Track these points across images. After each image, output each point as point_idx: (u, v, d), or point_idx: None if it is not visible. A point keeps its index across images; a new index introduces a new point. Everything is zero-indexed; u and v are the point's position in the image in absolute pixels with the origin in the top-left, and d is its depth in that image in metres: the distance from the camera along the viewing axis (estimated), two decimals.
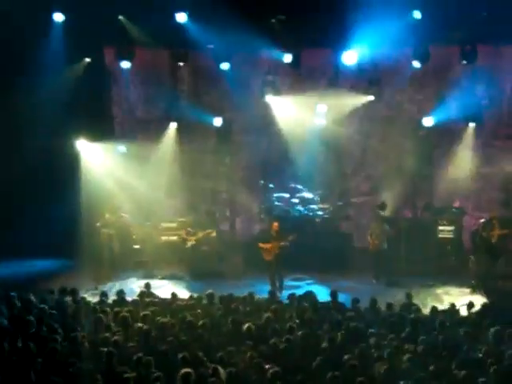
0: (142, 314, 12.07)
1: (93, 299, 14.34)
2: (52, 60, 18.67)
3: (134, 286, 16.70)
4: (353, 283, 17.31)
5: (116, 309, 12.66)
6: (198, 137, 21.37)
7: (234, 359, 9.99)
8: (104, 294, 14.24)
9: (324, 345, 10.71)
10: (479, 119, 19.56)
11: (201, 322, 11.62)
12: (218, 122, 20.58)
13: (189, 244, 18.38)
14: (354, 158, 21.48)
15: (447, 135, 20.55)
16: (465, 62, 18.95)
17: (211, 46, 19.41)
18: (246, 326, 11.27)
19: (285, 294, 15.30)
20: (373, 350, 10.45)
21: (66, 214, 18.44)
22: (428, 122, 19.82)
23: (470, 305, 13.19)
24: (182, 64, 20.19)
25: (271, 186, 20.37)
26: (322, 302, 13.58)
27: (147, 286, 14.93)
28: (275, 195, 20.11)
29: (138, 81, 21.32)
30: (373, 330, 11.65)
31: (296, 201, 19.85)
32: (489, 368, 9.49)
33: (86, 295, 15.02)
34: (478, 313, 12.76)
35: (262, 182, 20.65)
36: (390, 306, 13.23)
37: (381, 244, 17.61)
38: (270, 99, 20.28)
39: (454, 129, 20.41)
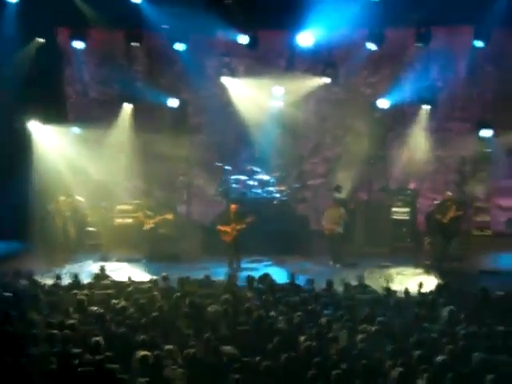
0: (97, 297, 11.96)
1: (47, 282, 14.15)
2: (4, 41, 18.28)
3: (89, 269, 16.51)
4: (310, 265, 17.40)
5: (71, 292, 12.55)
6: (154, 118, 21.18)
7: (191, 342, 9.95)
8: (59, 277, 14.09)
9: (280, 326, 10.74)
10: (433, 101, 19.70)
11: (157, 305, 11.56)
12: (173, 103, 20.42)
13: (147, 227, 18.19)
14: (311, 140, 21.51)
15: (402, 117, 20.68)
16: (419, 44, 19.05)
17: (166, 27, 19.19)
18: (206, 308, 11.24)
19: (242, 276, 15.28)
20: (329, 331, 10.50)
21: (18, 197, 18.15)
22: (383, 104, 19.92)
23: (420, 285, 13.31)
24: (136, 44, 19.90)
25: (228, 168, 20.29)
26: (279, 284, 13.62)
27: (102, 268, 14.80)
28: (232, 177, 20.03)
29: (91, 61, 21.01)
30: (329, 311, 11.72)
31: (253, 183, 19.80)
32: (444, 348, 9.61)
33: (40, 278, 14.80)
34: (433, 293, 12.91)
35: (219, 164, 20.55)
36: (346, 287, 13.32)
37: (337, 227, 17.60)
38: (227, 81, 20.17)
39: (408, 111, 20.55)
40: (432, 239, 17.56)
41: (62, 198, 18.41)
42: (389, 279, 14.40)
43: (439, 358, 9.12)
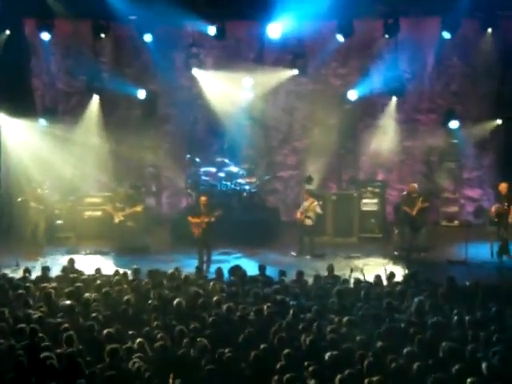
0: (66, 290, 11.87)
1: (15, 275, 14.02)
2: None
3: (57, 262, 16.34)
4: (280, 257, 17.41)
5: (39, 285, 12.44)
6: (122, 109, 21.07)
7: (161, 334, 9.91)
8: (27, 270, 13.96)
9: (251, 318, 10.74)
10: (402, 93, 19.81)
11: (126, 298, 11.50)
12: (141, 94, 20.29)
13: (117, 220, 18.01)
14: (280, 131, 21.52)
15: (371, 109, 20.79)
16: (387, 35, 19.14)
17: (133, 18, 19.06)
18: (176, 301, 11.22)
19: (213, 268, 15.26)
20: (299, 322, 10.53)
21: None
22: (352, 95, 20.00)
23: (391, 275, 13.41)
24: (103, 35, 19.71)
25: (197, 160, 20.23)
26: (249, 276, 13.62)
27: (71, 261, 14.66)
28: (202, 169, 19.98)
29: (58, 52, 20.81)
30: (299, 302, 11.75)
31: (223, 175, 19.76)
32: (412, 338, 9.68)
33: (7, 271, 14.65)
34: (401, 284, 13.00)
35: (189, 156, 20.48)
36: (316, 278, 13.36)
37: (308, 220, 17.59)
38: (196, 72, 20.09)
39: (377, 102, 20.67)
40: (400, 230, 17.68)
41: (39, 190, 18.21)
42: (356, 270, 14.44)
43: (407, 348, 9.19)
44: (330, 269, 14.08)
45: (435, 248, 17.69)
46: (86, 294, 11.78)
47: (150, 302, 11.54)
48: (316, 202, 17.70)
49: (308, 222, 17.59)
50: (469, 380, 8.10)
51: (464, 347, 9.32)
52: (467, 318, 10.55)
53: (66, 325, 10.12)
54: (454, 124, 19.95)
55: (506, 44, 20.03)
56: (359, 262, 16.61)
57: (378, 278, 13.26)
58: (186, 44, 20.29)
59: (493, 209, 17.01)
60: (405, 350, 9.16)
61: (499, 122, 20.09)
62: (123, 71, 20.80)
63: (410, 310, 11.19)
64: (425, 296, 11.70)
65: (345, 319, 10.38)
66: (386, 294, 12.17)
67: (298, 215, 17.68)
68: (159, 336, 9.81)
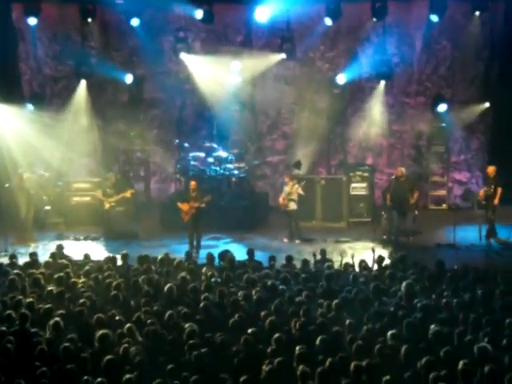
0: (55, 276, 11.84)
1: (3, 261, 13.96)
2: None
3: (46, 248, 16.30)
4: (269, 241, 17.43)
5: (28, 271, 12.40)
6: (109, 94, 20.98)
7: (151, 319, 9.92)
8: (14, 256, 13.90)
9: (241, 302, 10.76)
10: (390, 76, 19.81)
11: (116, 283, 11.49)
12: (129, 78, 20.19)
13: (107, 205, 17.92)
14: (269, 116, 21.47)
15: (360, 93, 20.78)
16: (375, 18, 19.11)
17: (121, 2, 18.94)
18: (167, 286, 11.22)
19: (202, 253, 15.26)
20: (289, 307, 10.56)
21: None
22: (341, 79, 19.98)
23: (380, 259, 13.45)
24: (90, 20, 19.58)
25: (186, 145, 20.17)
26: (239, 261, 13.63)
27: (59, 247, 14.61)
28: (190, 155, 19.92)
29: (45, 37, 20.66)
30: (289, 287, 11.77)
31: (212, 160, 19.70)
32: (401, 321, 9.73)
33: None
34: (390, 267, 13.04)
35: (177, 141, 20.42)
36: (305, 262, 13.38)
37: (291, 204, 17.59)
38: (184, 56, 19.99)
39: (365, 86, 20.66)
40: (389, 214, 17.71)
41: (27, 174, 18.11)
42: (345, 254, 14.50)
43: (396, 331, 9.24)
44: (323, 253, 14.11)
45: (424, 232, 17.74)
46: (75, 280, 11.76)
47: (139, 287, 11.53)
48: (297, 185, 17.70)
49: (292, 205, 17.59)
50: (461, 362, 8.15)
51: (453, 330, 9.38)
52: (455, 300, 10.62)
53: (55, 311, 10.12)
54: (442, 107, 19.99)
55: (493, 27, 20.03)
56: (347, 246, 16.67)
57: (365, 261, 13.31)
58: (174, 28, 20.18)
59: (481, 192, 17.10)
60: (393, 334, 9.21)
61: (487, 105, 20.13)
62: (110, 56, 20.68)
63: (398, 293, 11.23)
64: (413, 279, 11.74)
65: (334, 303, 10.41)
66: (375, 277, 12.22)
67: (281, 200, 17.68)
68: (149, 321, 9.82)
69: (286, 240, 17.55)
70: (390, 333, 9.18)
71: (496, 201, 16.61)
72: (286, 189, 17.68)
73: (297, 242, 17.36)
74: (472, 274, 12.15)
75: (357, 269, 13.10)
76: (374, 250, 13.74)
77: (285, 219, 17.90)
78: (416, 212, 17.87)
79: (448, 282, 11.82)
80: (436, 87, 20.66)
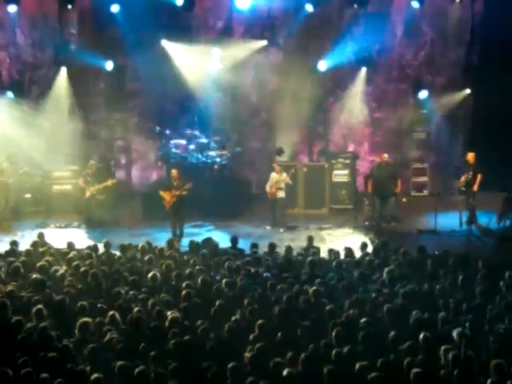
0: (36, 264, 11.78)
1: None
2: None
3: (27, 236, 16.20)
4: (251, 228, 17.43)
5: (8, 259, 12.33)
6: (90, 82, 20.80)
7: (133, 307, 9.91)
8: None
9: (224, 290, 10.77)
10: (371, 63, 19.84)
11: (98, 271, 11.46)
12: (109, 66, 20.07)
13: (88, 194, 17.83)
14: (250, 104, 21.41)
15: (341, 80, 20.76)
16: (356, 5, 19.10)
17: None
18: (150, 274, 11.22)
19: (185, 241, 15.24)
20: (271, 294, 10.58)
21: None
22: (322, 66, 19.97)
23: (364, 245, 13.51)
24: (70, 7, 19.43)
25: (167, 132, 20.10)
26: (221, 248, 13.63)
27: (41, 235, 14.54)
28: (172, 142, 19.85)
29: (25, 25, 20.42)
30: (271, 274, 11.79)
31: (193, 147, 19.66)
32: (382, 306, 9.79)
33: None
34: (372, 254, 13.10)
35: (158, 128, 20.35)
36: (288, 249, 13.40)
37: (280, 192, 17.61)
38: (165, 43, 19.88)
39: (347, 73, 20.64)
40: (371, 201, 17.78)
41: (6, 164, 17.96)
42: (324, 241, 14.56)
43: (379, 316, 9.30)
44: (310, 240, 14.15)
45: (405, 218, 17.82)
46: (57, 268, 11.72)
47: (122, 275, 11.51)
48: (285, 174, 17.70)
49: (281, 194, 17.63)
50: (443, 347, 8.22)
51: (435, 316, 9.45)
52: (437, 286, 10.69)
53: (37, 298, 10.08)
54: (423, 94, 20.04)
55: (474, 13, 20.08)
56: (331, 233, 16.73)
57: (348, 248, 13.35)
58: (154, 14, 20.03)
59: (462, 178, 17.21)
60: (375, 319, 9.27)
61: (468, 91, 20.21)
62: (91, 43, 20.47)
63: (380, 279, 11.29)
64: (395, 265, 11.81)
65: (317, 290, 10.44)
66: (357, 264, 12.28)
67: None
68: (132, 309, 9.81)
69: (268, 228, 17.55)
70: (375, 319, 9.25)
71: (475, 187, 16.73)
72: (274, 177, 17.67)
73: (281, 230, 17.34)
74: (453, 259, 12.24)
75: (341, 255, 13.12)
76: (362, 245, 13.64)
77: (267, 207, 17.91)
78: (404, 199, 17.99)
79: (429, 268, 11.89)
80: (417, 74, 20.70)
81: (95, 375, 7.82)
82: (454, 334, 8.67)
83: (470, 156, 17.07)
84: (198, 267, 12.10)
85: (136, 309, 9.75)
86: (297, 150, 20.87)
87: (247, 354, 8.36)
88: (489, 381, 7.70)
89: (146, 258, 12.60)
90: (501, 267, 11.68)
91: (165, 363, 8.18)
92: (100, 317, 9.51)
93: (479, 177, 16.71)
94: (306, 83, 20.49)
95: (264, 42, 19.87)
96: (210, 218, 18.03)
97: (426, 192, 20.37)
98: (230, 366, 8.03)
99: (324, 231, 17.11)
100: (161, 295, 10.48)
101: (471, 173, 16.80)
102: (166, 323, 9.33)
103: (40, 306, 9.67)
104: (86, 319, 9.11)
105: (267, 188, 17.73)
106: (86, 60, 19.72)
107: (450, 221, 16.98)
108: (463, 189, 17.03)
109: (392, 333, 8.75)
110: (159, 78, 20.65)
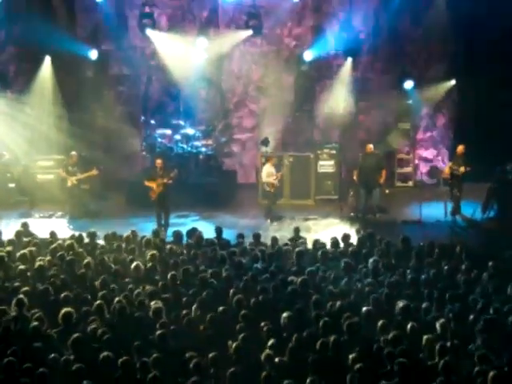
0: (19, 254, 11.71)
1: None
2: None
3: (10, 226, 16.07)
4: (237, 219, 17.39)
5: None
6: (74, 70, 20.61)
7: (118, 297, 9.87)
8: None
9: (209, 280, 10.75)
10: (357, 53, 19.80)
11: (82, 262, 11.41)
12: (94, 54, 19.92)
13: (69, 183, 17.72)
14: (236, 94, 21.33)
15: (327, 69, 20.72)
16: None
17: None
18: (133, 264, 11.18)
19: (170, 231, 15.18)
20: (256, 284, 10.57)
21: None
22: (308, 56, 19.94)
23: (346, 236, 13.47)
24: None
25: (152, 122, 20.00)
26: (206, 239, 13.59)
27: (24, 225, 14.44)
28: (157, 132, 19.76)
29: (9, 14, 20.19)
30: (257, 265, 11.78)
31: (179, 137, 19.58)
32: (367, 297, 9.81)
33: None
34: (357, 245, 13.11)
35: (143, 118, 20.23)
36: (274, 240, 13.38)
37: (276, 182, 17.63)
38: (150, 32, 19.74)
39: (332, 63, 20.60)
40: (355, 191, 17.80)
41: None
42: (309, 231, 14.56)
43: (364, 308, 9.32)
44: (297, 231, 14.14)
45: (390, 209, 17.85)
46: (41, 258, 11.65)
47: (106, 265, 11.47)
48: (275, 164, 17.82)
49: (277, 184, 17.68)
50: (425, 337, 8.26)
51: (419, 305, 9.48)
52: (422, 276, 10.73)
53: (20, 288, 10.03)
54: (408, 84, 20.02)
55: (458, 3, 20.05)
56: (317, 224, 16.74)
57: (334, 239, 13.34)
58: (139, 3, 19.90)
59: (446, 169, 17.26)
60: (363, 310, 9.29)
61: (453, 82, 20.23)
62: (75, 31, 20.34)
63: (365, 270, 11.31)
64: (380, 256, 11.83)
65: (302, 280, 10.45)
66: (342, 254, 12.28)
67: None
68: (116, 299, 9.78)
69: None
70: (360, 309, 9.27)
71: (462, 170, 16.65)
72: (269, 169, 17.64)
73: (268, 221, 17.32)
74: (437, 250, 12.27)
75: (326, 246, 13.12)
76: (346, 236, 13.62)
77: (253, 197, 17.86)
78: (387, 191, 18.01)
79: (414, 258, 11.92)
80: (402, 64, 20.68)
81: (78, 365, 7.80)
82: (437, 324, 8.72)
83: (460, 148, 17.15)
84: (183, 257, 12.07)
85: (118, 299, 9.72)
86: (282, 140, 20.81)
87: (231, 344, 8.36)
88: (474, 370, 7.74)
89: (131, 248, 12.54)
90: (484, 257, 11.73)
91: (149, 353, 8.16)
92: (84, 307, 9.47)
93: (465, 169, 16.69)
94: (291, 73, 20.49)
95: (249, 32, 19.75)
96: (195, 208, 17.96)
97: (410, 183, 20.42)
98: (211, 355, 8.03)
99: (309, 221, 17.10)
100: (145, 286, 10.45)
101: (458, 165, 16.80)
102: (150, 313, 9.31)
103: (22, 295, 9.62)
104: (69, 309, 9.07)
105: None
106: (71, 49, 19.51)
107: (435, 211, 17.04)
108: (448, 180, 17.08)
109: (380, 322, 8.78)
110: (144, 67, 20.58)
